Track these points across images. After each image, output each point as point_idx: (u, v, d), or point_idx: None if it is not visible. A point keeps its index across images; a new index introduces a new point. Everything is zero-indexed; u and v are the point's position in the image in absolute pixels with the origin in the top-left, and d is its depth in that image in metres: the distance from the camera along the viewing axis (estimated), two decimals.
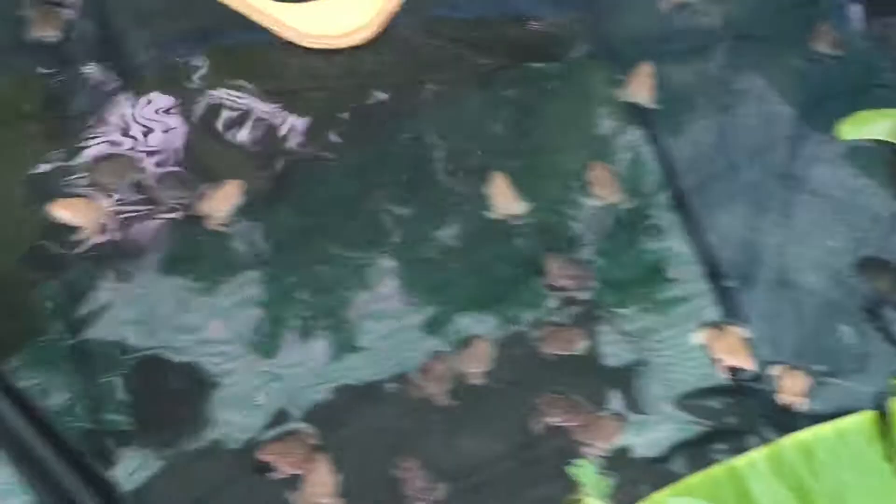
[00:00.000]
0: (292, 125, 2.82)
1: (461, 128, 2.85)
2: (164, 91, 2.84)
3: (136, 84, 2.84)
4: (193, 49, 2.90)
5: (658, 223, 2.77)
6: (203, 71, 2.88)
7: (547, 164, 2.80)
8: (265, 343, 2.61)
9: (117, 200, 2.68)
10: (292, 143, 2.80)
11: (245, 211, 2.71)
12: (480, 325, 2.63)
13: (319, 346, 2.61)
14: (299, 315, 2.64)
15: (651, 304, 2.68)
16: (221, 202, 2.68)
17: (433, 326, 2.64)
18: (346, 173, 2.80)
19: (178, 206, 2.69)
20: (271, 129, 2.81)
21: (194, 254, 2.69)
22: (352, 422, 2.54)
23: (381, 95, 2.88)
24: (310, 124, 2.83)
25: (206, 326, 2.61)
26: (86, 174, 2.70)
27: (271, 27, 2.89)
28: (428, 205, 2.76)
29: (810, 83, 2.96)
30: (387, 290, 2.68)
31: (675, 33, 3.03)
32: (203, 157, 2.77)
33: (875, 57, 3.01)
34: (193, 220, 2.68)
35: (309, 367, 2.59)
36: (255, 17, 2.90)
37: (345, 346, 2.62)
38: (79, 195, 2.67)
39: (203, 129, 2.80)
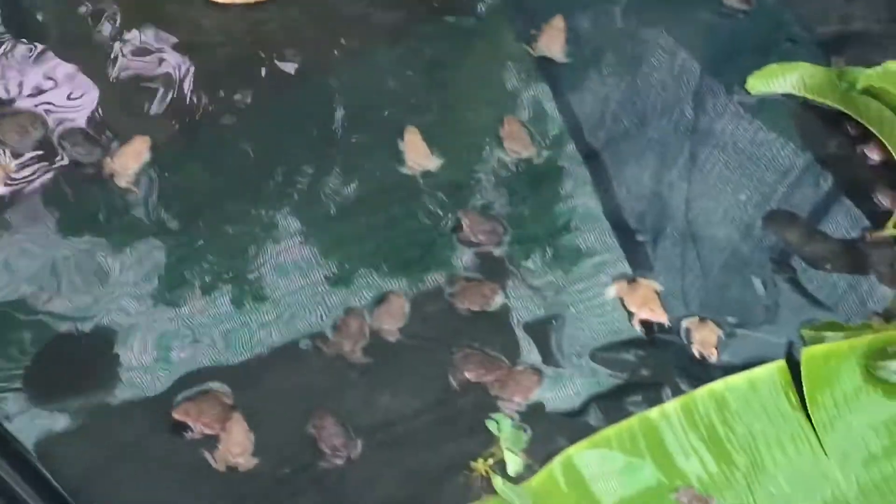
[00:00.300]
0: (201, 81, 2.77)
1: (372, 83, 2.82)
2: (71, 45, 2.77)
3: (39, 37, 2.77)
4: None
5: (567, 178, 2.77)
6: (111, 22, 2.82)
7: (460, 119, 2.79)
8: (171, 300, 2.58)
9: (19, 157, 2.62)
10: (201, 99, 2.76)
11: (153, 169, 2.66)
12: (393, 282, 2.62)
13: (226, 302, 2.58)
14: (204, 272, 2.60)
15: (562, 258, 2.69)
16: (129, 160, 2.63)
17: (341, 282, 2.62)
18: (255, 130, 2.76)
19: (83, 163, 2.63)
20: (180, 86, 2.76)
21: (98, 211, 2.63)
22: (266, 380, 2.52)
23: (292, 52, 2.84)
24: (219, 80, 2.79)
25: (110, 284, 2.57)
26: None
27: None
28: (338, 161, 2.74)
29: (719, 38, 2.98)
30: (294, 247, 2.65)
31: None
32: (110, 114, 2.71)
33: (783, 12, 3.03)
34: (99, 178, 2.63)
35: (216, 324, 2.57)
36: None
37: (251, 301, 2.59)
38: None
39: (110, 85, 2.74)
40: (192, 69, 2.78)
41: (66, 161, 2.63)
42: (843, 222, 2.77)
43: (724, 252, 2.73)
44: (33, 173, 2.62)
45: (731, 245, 2.73)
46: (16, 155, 2.62)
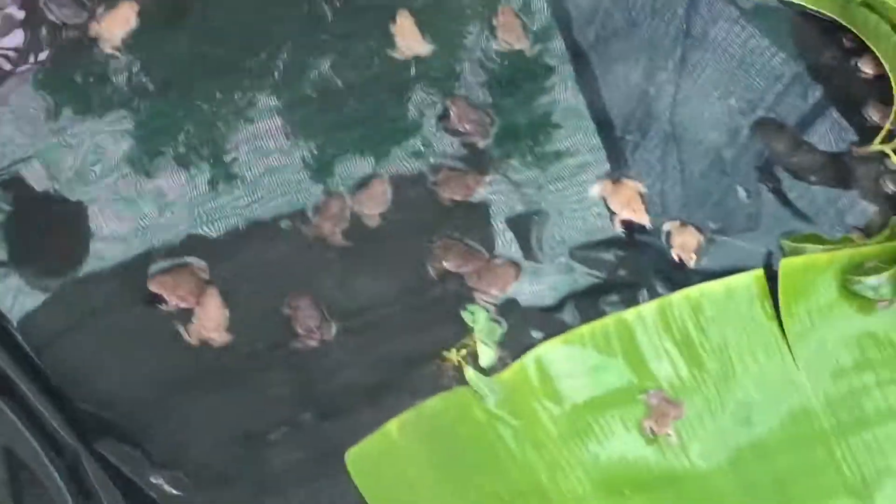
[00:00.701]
0: None
1: None
2: None
3: None
4: None
5: (555, 74, 2.73)
6: None
7: (454, 5, 2.73)
8: (148, 171, 2.56)
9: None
10: None
11: (138, 36, 2.60)
12: (376, 167, 2.60)
13: (203, 177, 2.56)
14: (182, 145, 2.57)
15: (545, 154, 2.67)
16: (115, 25, 2.58)
17: (323, 166, 2.59)
18: (245, 4, 2.70)
19: (68, 25, 2.58)
20: None
21: (78, 74, 2.59)
22: (244, 257, 2.52)
23: None
24: None
25: (84, 149, 2.54)
26: None
27: None
28: (327, 43, 2.69)
29: None
30: (276, 128, 2.62)
31: None
32: None
33: None
34: (84, 42, 2.58)
35: (194, 198, 2.55)
36: None
37: (230, 178, 2.57)
38: None
39: None
40: None
41: (51, 22, 2.58)
42: (831, 135, 2.75)
43: (708, 157, 2.71)
44: (14, 35, 2.57)
45: (716, 151, 2.72)
46: None
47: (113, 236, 2.51)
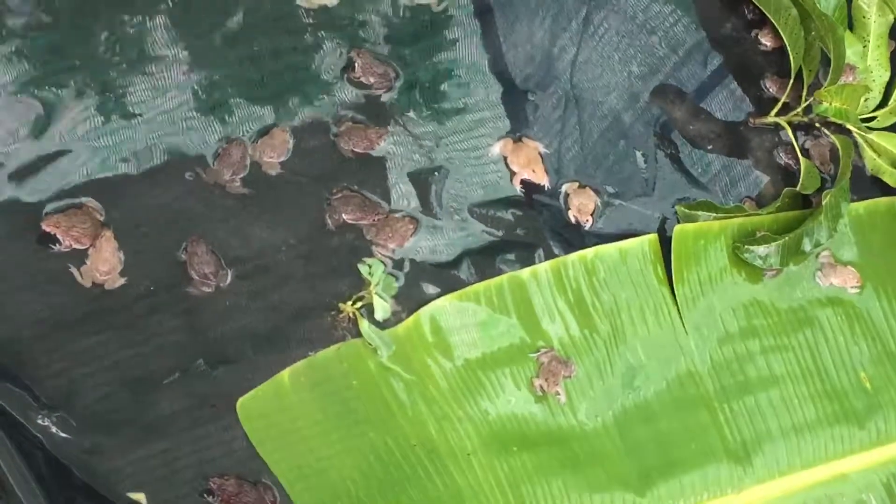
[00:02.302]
0: None
1: None
2: None
3: None
4: None
5: (458, 29, 2.72)
6: None
7: None
8: (42, 99, 2.50)
9: None
10: None
11: None
12: (277, 115, 2.58)
13: (98, 115, 2.52)
14: (77, 77, 2.52)
15: (446, 110, 2.67)
16: None
17: (223, 109, 2.57)
18: None
19: None
20: None
21: None
22: (141, 201, 2.48)
23: None
24: None
25: None
26: None
27: None
28: None
29: None
30: (174, 67, 2.57)
31: None
32: None
33: None
34: None
35: (88, 135, 2.50)
36: None
37: (126, 116, 2.53)
38: None
39: None
40: None
41: None
42: (728, 104, 2.80)
43: (606, 120, 2.74)
44: None
45: (615, 114, 2.74)
46: None
47: (3, 172, 2.46)
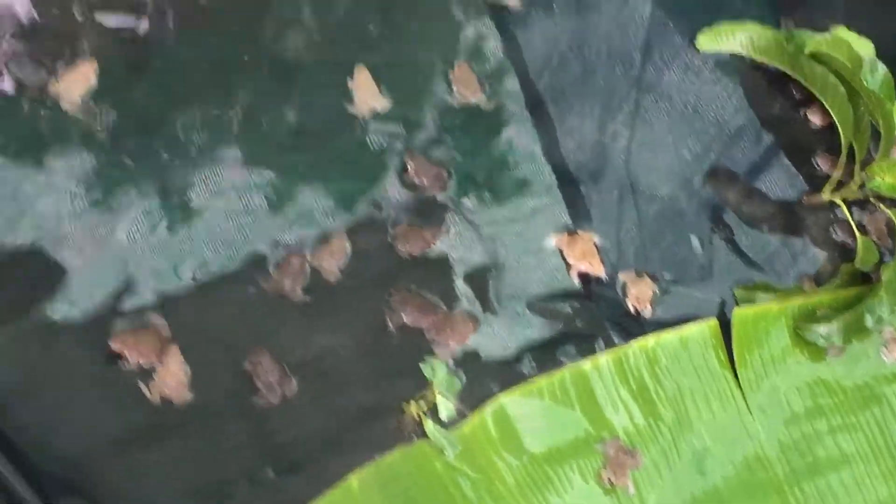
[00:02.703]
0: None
1: (328, 17, 2.77)
2: None
3: None
4: None
5: (511, 123, 2.76)
6: None
7: (410, 60, 2.76)
8: (104, 220, 2.55)
9: None
10: (147, 26, 2.70)
11: (100, 94, 2.61)
12: (335, 220, 2.62)
13: (162, 230, 2.57)
14: (142, 196, 2.58)
15: (504, 205, 2.70)
16: (75, 84, 2.59)
17: (282, 216, 2.61)
18: (204, 54, 2.71)
19: (26, 85, 2.59)
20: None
21: (41, 130, 2.59)
22: (204, 314, 2.52)
23: None
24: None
25: (47, 204, 2.55)
26: None
27: None
28: (286, 94, 2.70)
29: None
30: (233, 176, 2.63)
31: None
32: (54, 30, 2.65)
33: None
34: (42, 101, 2.59)
35: (153, 251, 2.55)
36: None
37: (189, 229, 2.58)
38: None
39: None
40: None
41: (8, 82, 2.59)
42: (782, 184, 2.80)
43: (660, 205, 2.75)
44: None
45: (670, 199, 2.76)
46: None
47: (69, 294, 2.52)
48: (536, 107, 2.79)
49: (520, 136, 2.75)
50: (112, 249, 2.54)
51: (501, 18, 2.84)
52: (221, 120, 2.66)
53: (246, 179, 2.62)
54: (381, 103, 2.71)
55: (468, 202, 2.68)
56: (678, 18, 2.90)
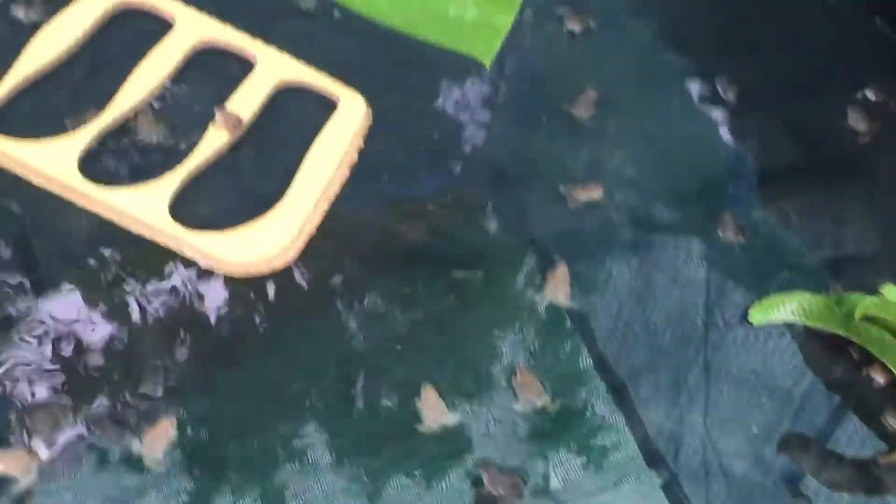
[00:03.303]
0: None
1: (387, 343, 2.88)
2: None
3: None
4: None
5: (593, 416, 2.82)
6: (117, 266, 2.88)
7: (475, 374, 2.84)
8: None
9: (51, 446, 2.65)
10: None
11: (180, 444, 2.69)
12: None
13: None
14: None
15: (585, 491, 2.72)
16: (156, 441, 2.67)
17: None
18: (264, 392, 2.80)
19: (110, 449, 2.67)
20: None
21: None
22: None
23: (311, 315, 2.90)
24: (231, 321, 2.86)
25: None
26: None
27: (192, 256, 2.90)
28: (355, 426, 2.76)
29: (718, 271, 3.05)
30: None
31: (585, 231, 3.12)
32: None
33: (776, 241, 3.12)
34: (125, 461, 2.67)
35: None
36: (174, 246, 2.90)
37: None
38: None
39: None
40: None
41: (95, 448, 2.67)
42: (855, 445, 2.82)
43: (741, 483, 2.76)
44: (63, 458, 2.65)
45: (747, 476, 2.77)
46: (49, 444, 2.65)
47: None
48: (619, 391, 2.86)
49: (602, 424, 2.81)
50: None
51: (558, 317, 2.92)
52: (290, 453, 2.70)
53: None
54: (449, 418, 2.76)
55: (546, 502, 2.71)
56: (727, 298, 3.00)
